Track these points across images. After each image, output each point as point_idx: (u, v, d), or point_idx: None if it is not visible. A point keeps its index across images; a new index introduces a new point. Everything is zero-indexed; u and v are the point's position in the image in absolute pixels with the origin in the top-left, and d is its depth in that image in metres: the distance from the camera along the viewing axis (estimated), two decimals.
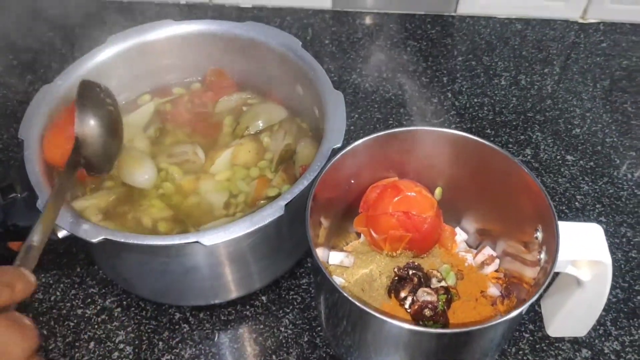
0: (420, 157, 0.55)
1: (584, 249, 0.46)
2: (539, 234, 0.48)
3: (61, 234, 0.56)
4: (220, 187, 0.63)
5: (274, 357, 0.60)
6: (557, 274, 0.55)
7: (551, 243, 0.45)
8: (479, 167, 0.53)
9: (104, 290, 0.65)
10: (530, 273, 0.51)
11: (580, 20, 0.93)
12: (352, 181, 0.56)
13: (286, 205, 0.51)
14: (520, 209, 0.51)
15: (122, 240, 0.50)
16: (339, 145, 0.54)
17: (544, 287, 0.43)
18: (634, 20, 0.92)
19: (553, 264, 0.44)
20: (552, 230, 0.45)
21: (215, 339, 0.61)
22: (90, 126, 0.57)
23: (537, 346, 0.60)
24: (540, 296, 0.61)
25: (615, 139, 0.78)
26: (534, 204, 0.48)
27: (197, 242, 0.49)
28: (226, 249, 0.54)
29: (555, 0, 0.91)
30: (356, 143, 0.53)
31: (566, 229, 0.46)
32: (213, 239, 0.50)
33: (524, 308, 0.42)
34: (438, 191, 0.58)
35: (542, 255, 0.47)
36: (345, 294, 0.43)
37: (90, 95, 0.59)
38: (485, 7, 0.93)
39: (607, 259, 0.46)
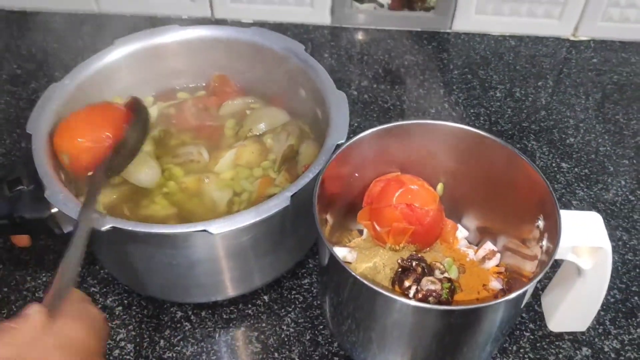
0: (422, 152, 0.56)
1: (584, 235, 0.47)
2: (541, 223, 0.49)
3: (67, 229, 0.57)
4: (224, 186, 0.63)
5: (276, 354, 0.59)
6: (558, 265, 0.56)
7: (553, 229, 0.46)
8: (479, 161, 0.55)
9: (105, 290, 0.65)
10: (530, 267, 0.52)
11: (572, 38, 0.96)
12: (356, 174, 0.57)
13: (292, 196, 0.52)
14: (522, 200, 0.52)
15: (130, 228, 0.50)
16: (343, 140, 0.56)
17: (547, 269, 0.43)
18: (623, 38, 0.95)
19: (555, 248, 0.44)
20: (554, 216, 0.46)
21: (217, 337, 0.61)
22: (134, 140, 0.61)
23: (538, 344, 0.60)
24: (542, 287, 0.62)
25: (608, 148, 0.80)
26: (534, 193, 0.50)
27: (204, 230, 0.50)
28: (231, 242, 0.55)
29: (547, 18, 0.94)
30: (360, 135, 0.54)
31: (567, 216, 0.47)
32: (220, 228, 0.50)
33: (528, 287, 0.43)
34: (440, 187, 0.59)
35: (544, 242, 0.48)
36: (354, 274, 0.43)
37: (141, 112, 0.63)
38: (479, 25, 0.96)
39: (607, 245, 0.47)
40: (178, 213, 0.62)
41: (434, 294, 0.50)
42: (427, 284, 0.50)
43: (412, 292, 0.50)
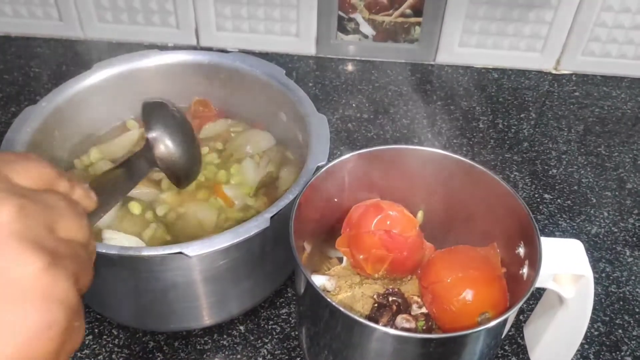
0: (403, 178, 0.56)
1: (565, 262, 0.46)
2: (521, 250, 0.48)
3: None
4: (209, 207, 0.62)
5: None
6: (540, 295, 0.55)
7: (533, 256, 0.45)
8: (460, 187, 0.54)
9: None
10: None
11: (554, 71, 0.97)
12: (335, 199, 0.56)
13: (271, 218, 0.51)
14: (502, 227, 0.51)
15: (104, 250, 0.49)
16: (323, 162, 0.55)
17: (527, 296, 0.42)
18: (605, 72, 0.96)
19: (536, 276, 0.44)
20: (535, 242, 0.45)
21: None
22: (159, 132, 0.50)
23: None
24: (524, 320, 0.61)
25: (591, 180, 0.80)
26: (515, 219, 0.49)
27: (180, 252, 0.49)
28: (208, 266, 0.53)
29: (529, 51, 0.95)
30: (340, 159, 0.53)
31: (547, 244, 0.46)
32: (197, 250, 0.49)
33: (509, 315, 0.42)
34: (420, 214, 0.58)
35: (525, 270, 0.47)
36: (330, 301, 0.42)
37: (159, 109, 0.53)
38: (463, 57, 0.97)
39: (588, 273, 0.46)
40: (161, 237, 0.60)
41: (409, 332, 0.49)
42: (402, 321, 0.49)
43: None
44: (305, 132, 0.60)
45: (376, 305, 0.51)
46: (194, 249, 0.48)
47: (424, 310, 0.52)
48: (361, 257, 0.54)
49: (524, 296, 0.43)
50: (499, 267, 0.51)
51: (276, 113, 0.67)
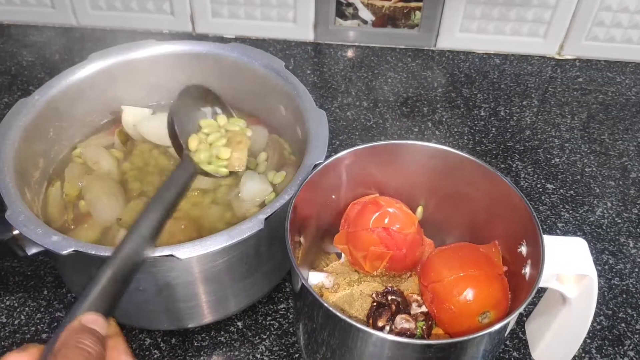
0: (402, 174, 0.54)
1: (569, 262, 0.45)
2: (524, 248, 0.47)
3: (30, 250, 0.54)
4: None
5: None
6: (542, 292, 0.54)
7: (536, 256, 0.44)
8: (460, 183, 0.53)
9: None
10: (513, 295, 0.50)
11: (557, 57, 0.95)
12: (333, 196, 0.55)
13: (266, 219, 0.50)
14: (504, 225, 0.50)
15: (93, 252, 0.48)
16: (321, 160, 0.54)
17: (529, 298, 0.41)
18: (609, 57, 0.94)
19: (539, 276, 0.42)
20: (537, 242, 0.44)
21: None
22: None
23: None
24: (526, 315, 0.60)
25: (594, 169, 0.78)
26: (517, 217, 0.48)
27: (171, 255, 0.48)
28: (202, 267, 0.52)
29: (532, 36, 0.93)
30: (337, 155, 0.52)
31: (551, 242, 0.45)
32: (188, 252, 0.48)
33: (510, 319, 0.41)
34: (420, 210, 0.57)
35: (527, 269, 0.46)
36: (326, 304, 0.41)
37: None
38: (464, 42, 0.95)
39: (592, 273, 0.45)
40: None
41: (408, 333, 0.48)
42: (401, 322, 0.49)
43: (386, 332, 0.48)
44: (305, 127, 0.59)
45: (375, 304, 0.50)
46: (185, 252, 0.47)
47: (423, 309, 0.51)
48: (359, 254, 0.53)
49: (527, 299, 0.42)
50: (500, 266, 0.50)
51: (276, 106, 0.65)
